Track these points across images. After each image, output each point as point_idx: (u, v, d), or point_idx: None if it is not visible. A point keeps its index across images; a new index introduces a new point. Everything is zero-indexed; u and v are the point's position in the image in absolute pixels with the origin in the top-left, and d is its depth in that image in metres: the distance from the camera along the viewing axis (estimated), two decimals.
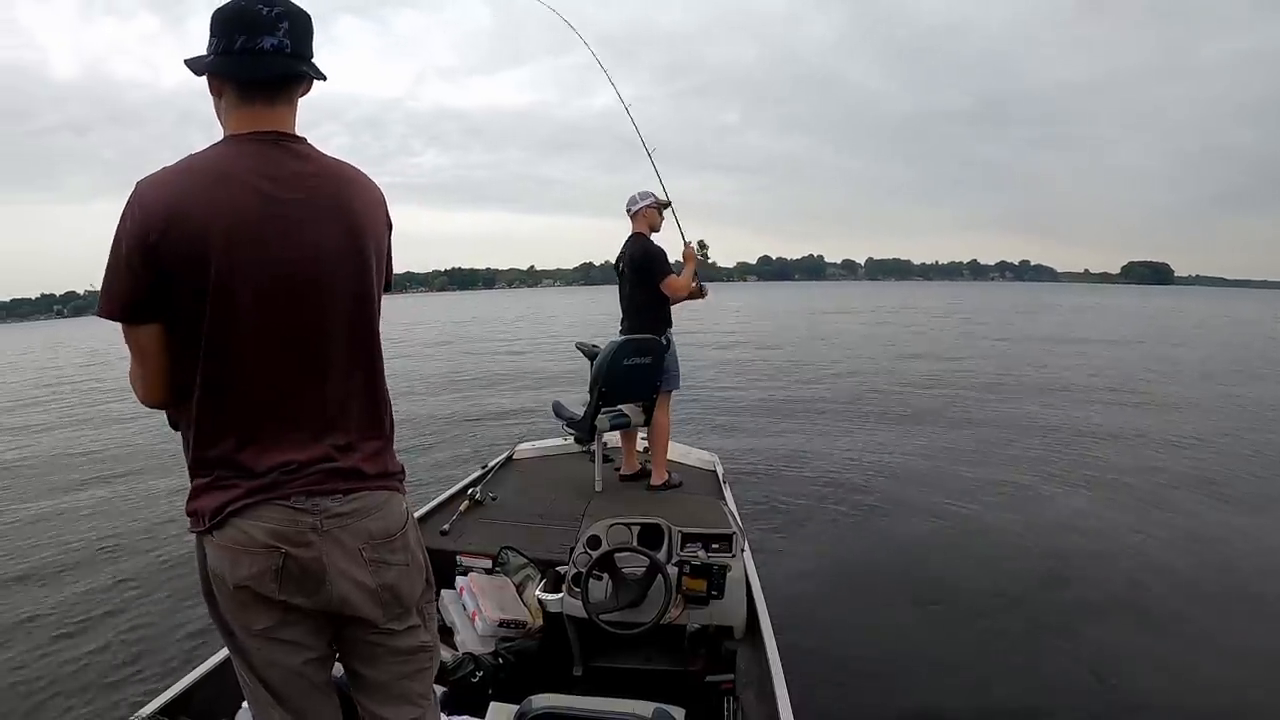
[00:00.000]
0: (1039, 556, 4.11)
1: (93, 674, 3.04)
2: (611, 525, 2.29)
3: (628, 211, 3.72)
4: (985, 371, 11.85)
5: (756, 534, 3.98)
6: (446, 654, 2.16)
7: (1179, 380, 11.19)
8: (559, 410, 3.86)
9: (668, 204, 3.72)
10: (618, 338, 3.62)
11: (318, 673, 1.17)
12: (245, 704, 1.70)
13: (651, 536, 2.29)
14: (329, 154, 1.17)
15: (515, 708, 1.71)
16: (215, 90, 1.13)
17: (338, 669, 1.24)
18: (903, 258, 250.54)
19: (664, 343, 3.66)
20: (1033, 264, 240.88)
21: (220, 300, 1.04)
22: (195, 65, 1.13)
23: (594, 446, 3.69)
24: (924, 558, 4.13)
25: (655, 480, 3.65)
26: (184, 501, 1.14)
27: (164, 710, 1.74)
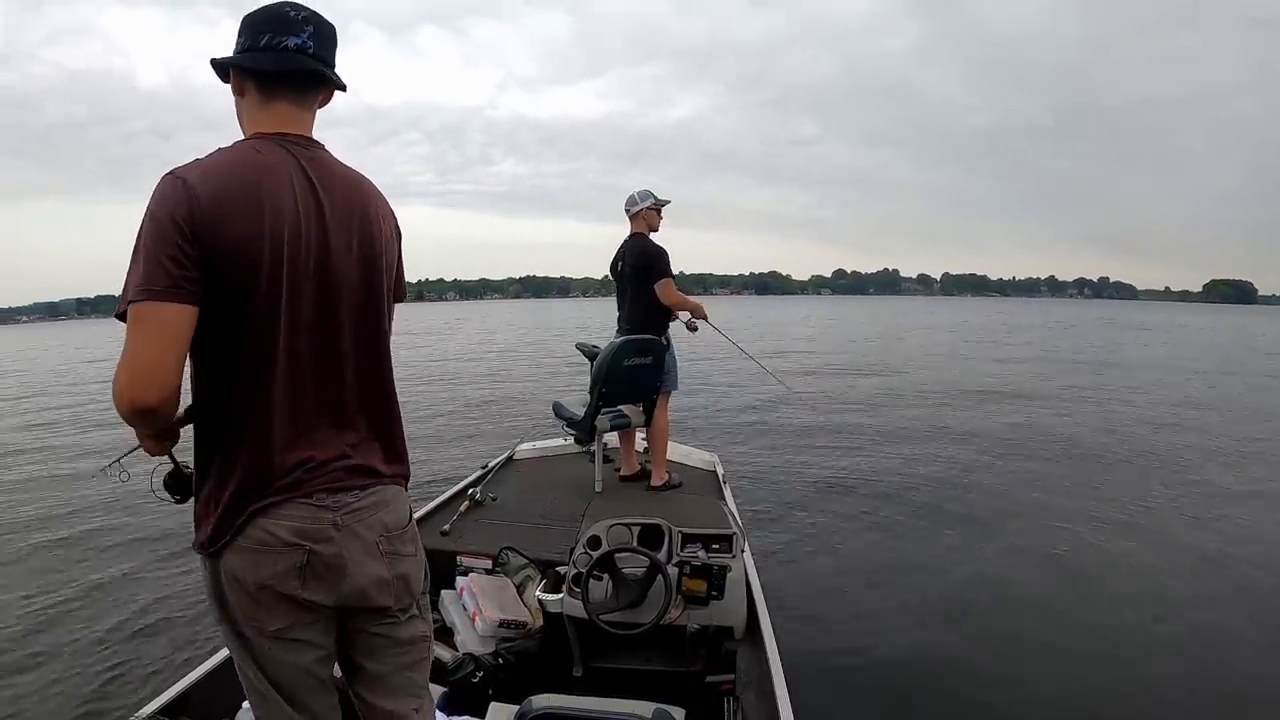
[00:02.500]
0: (1042, 557, 4.12)
1: (92, 674, 3.04)
2: (611, 526, 2.29)
3: (627, 212, 3.72)
4: (1001, 384, 11.85)
5: (756, 534, 3.98)
6: (446, 654, 2.16)
7: None
8: (559, 410, 3.86)
9: (667, 202, 3.73)
10: (618, 338, 3.62)
11: (324, 670, 1.19)
12: (245, 705, 1.71)
13: (651, 537, 2.29)
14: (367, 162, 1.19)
15: (515, 708, 1.71)
16: (238, 89, 1.17)
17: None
18: (979, 273, 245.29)
19: (664, 343, 3.66)
20: (1112, 281, 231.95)
21: (259, 296, 1.05)
22: (221, 62, 1.16)
23: (594, 447, 3.68)
24: (925, 557, 4.13)
25: (655, 481, 3.65)
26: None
27: (164, 710, 1.74)
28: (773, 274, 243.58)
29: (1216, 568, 3.97)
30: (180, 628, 3.40)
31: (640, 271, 3.62)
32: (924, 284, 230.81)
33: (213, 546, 1.09)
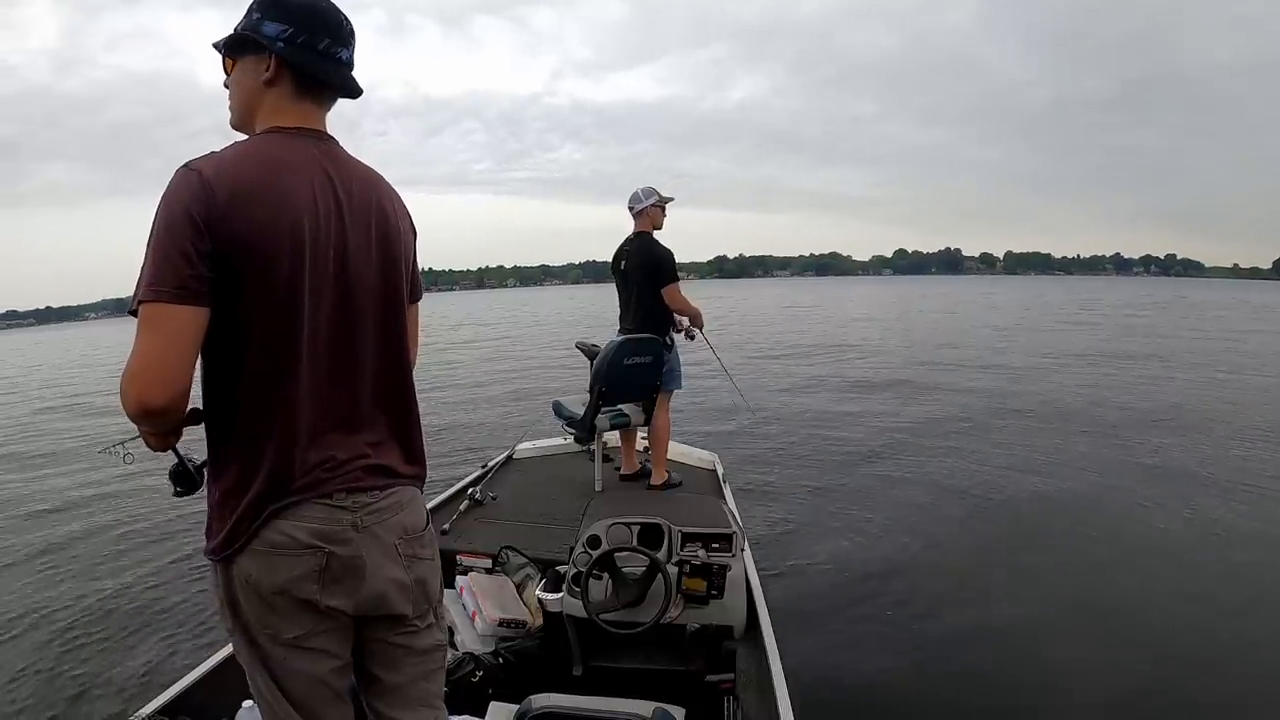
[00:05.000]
0: (1045, 558, 4.10)
1: (91, 674, 3.04)
2: (611, 525, 2.29)
3: (630, 210, 3.72)
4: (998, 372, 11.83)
5: (756, 534, 3.98)
6: (447, 654, 2.17)
7: None
8: (559, 410, 3.86)
9: (671, 199, 3.73)
10: (618, 337, 3.62)
11: (339, 681, 1.15)
12: (245, 704, 1.71)
13: (651, 536, 2.28)
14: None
15: (515, 708, 1.72)
16: (271, 77, 1.12)
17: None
18: (1043, 251, 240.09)
19: (667, 343, 3.66)
20: (1179, 258, 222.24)
21: (280, 291, 1.03)
22: (264, 41, 1.10)
23: (594, 446, 3.69)
24: (925, 557, 4.12)
25: (655, 480, 3.65)
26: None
27: (163, 710, 1.74)
28: (833, 255, 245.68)
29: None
30: (180, 627, 3.39)
31: (647, 272, 3.62)
32: (986, 263, 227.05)
33: (226, 550, 1.06)
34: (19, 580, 4.15)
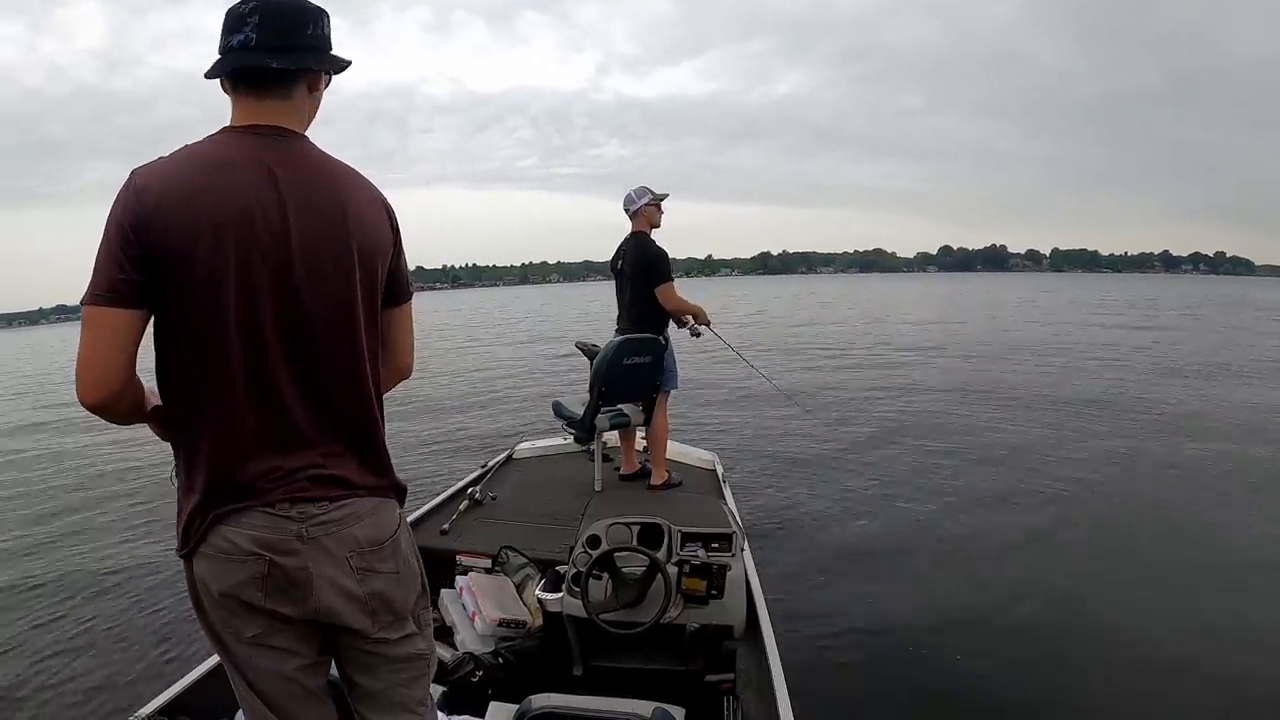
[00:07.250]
0: (1045, 558, 4.10)
1: (91, 674, 3.04)
2: (611, 525, 2.29)
3: (626, 211, 3.72)
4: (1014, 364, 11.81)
5: (756, 534, 3.97)
6: (446, 654, 2.16)
7: None
8: (559, 410, 3.86)
9: (665, 196, 3.72)
10: (617, 337, 3.62)
11: (310, 679, 1.16)
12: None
13: (651, 536, 2.28)
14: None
15: (515, 708, 1.72)
16: (224, 89, 1.15)
17: (334, 673, 1.23)
18: (1090, 248, 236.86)
19: (663, 342, 3.66)
20: (1228, 255, 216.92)
21: (199, 294, 1.02)
22: (210, 72, 1.15)
23: (594, 446, 3.68)
24: (925, 557, 4.12)
25: (655, 480, 3.65)
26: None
27: (163, 710, 1.74)
28: (877, 251, 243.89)
29: None
30: (180, 626, 3.39)
31: (640, 272, 3.61)
32: (1033, 260, 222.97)
33: (184, 550, 1.09)
34: (16, 580, 4.15)
